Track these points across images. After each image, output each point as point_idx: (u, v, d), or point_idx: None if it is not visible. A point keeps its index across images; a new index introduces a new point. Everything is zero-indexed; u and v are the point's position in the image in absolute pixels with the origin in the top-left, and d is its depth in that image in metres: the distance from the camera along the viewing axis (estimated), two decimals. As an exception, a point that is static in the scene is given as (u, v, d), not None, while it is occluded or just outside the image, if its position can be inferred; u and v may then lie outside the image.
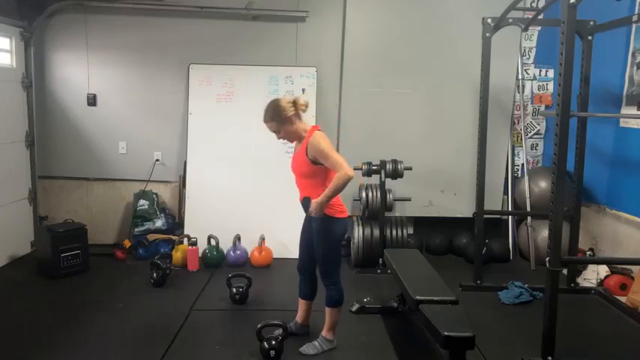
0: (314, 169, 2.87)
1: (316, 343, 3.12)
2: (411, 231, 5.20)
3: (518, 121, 5.23)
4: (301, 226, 3.19)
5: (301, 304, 3.32)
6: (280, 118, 2.88)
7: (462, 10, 4.86)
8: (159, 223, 4.94)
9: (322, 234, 2.94)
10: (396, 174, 4.58)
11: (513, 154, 5.25)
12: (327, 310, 3.10)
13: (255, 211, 4.84)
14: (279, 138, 2.99)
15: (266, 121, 2.92)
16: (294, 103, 2.91)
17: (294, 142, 3.04)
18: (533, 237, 4.86)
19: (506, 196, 5.25)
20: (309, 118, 4.97)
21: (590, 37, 3.97)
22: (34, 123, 4.87)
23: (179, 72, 5.00)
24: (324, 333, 3.14)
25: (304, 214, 3.09)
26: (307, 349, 3.10)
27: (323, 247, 2.98)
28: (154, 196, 5.04)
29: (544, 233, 4.71)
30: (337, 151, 5.02)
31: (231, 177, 4.89)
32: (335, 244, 2.99)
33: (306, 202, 2.96)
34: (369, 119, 5.02)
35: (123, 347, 3.16)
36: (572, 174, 4.19)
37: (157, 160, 5.12)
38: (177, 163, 5.13)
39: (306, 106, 2.98)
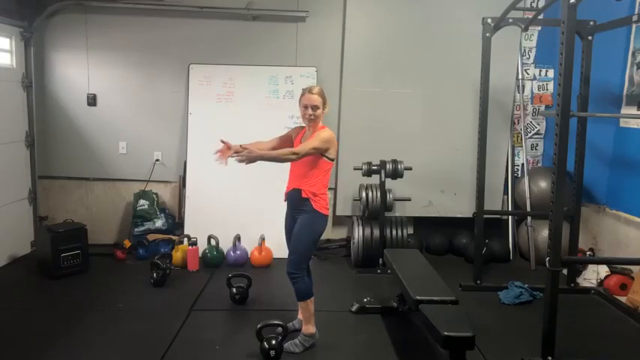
0: (317, 160, 3.04)
1: (297, 340, 3.15)
2: (411, 231, 5.20)
3: (518, 121, 5.23)
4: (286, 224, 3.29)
5: None
6: (324, 103, 3.14)
7: (462, 10, 4.86)
8: (159, 223, 4.95)
9: (307, 226, 3.07)
10: (396, 174, 4.58)
11: (513, 154, 5.25)
12: (299, 305, 3.17)
13: (255, 211, 4.84)
14: (309, 113, 3.08)
15: (317, 93, 3.09)
16: None
17: (300, 133, 3.22)
18: (533, 237, 4.86)
19: (506, 196, 5.25)
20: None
21: (590, 37, 3.97)
22: (34, 123, 4.87)
23: (179, 72, 5.01)
24: (303, 329, 3.18)
25: (292, 212, 3.19)
26: (290, 347, 3.11)
27: (304, 239, 3.07)
28: (154, 196, 5.04)
29: (544, 233, 4.71)
30: (337, 151, 5.04)
31: (231, 177, 4.88)
32: (315, 237, 3.12)
33: (293, 194, 3.11)
34: (369, 119, 5.02)
35: (123, 347, 3.16)
36: (572, 174, 4.19)
37: (157, 160, 5.12)
38: (177, 163, 5.13)
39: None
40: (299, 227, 3.09)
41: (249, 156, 2.86)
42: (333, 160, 3.12)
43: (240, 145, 3.02)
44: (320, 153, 3.03)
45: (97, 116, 5.06)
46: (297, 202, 3.11)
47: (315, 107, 3.06)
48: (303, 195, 3.06)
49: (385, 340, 3.33)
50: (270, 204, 4.82)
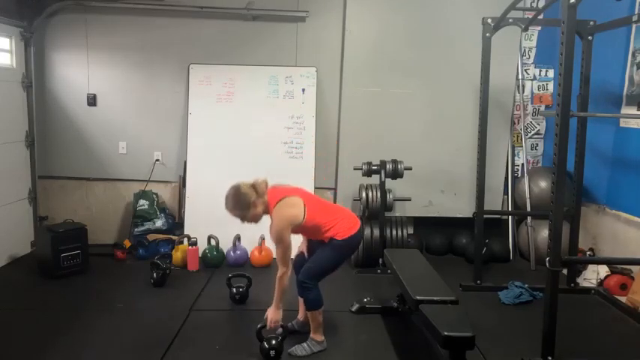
0: (299, 228, 2.98)
1: (305, 344, 3.12)
2: (411, 231, 5.20)
3: (518, 121, 5.22)
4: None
5: (301, 302, 3.33)
6: (243, 206, 2.93)
7: (462, 10, 4.86)
8: (159, 223, 4.95)
9: (338, 252, 3.03)
10: (396, 174, 4.58)
11: (513, 154, 5.25)
12: (308, 314, 3.13)
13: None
14: (243, 222, 3.00)
15: (229, 209, 2.95)
16: (254, 186, 2.96)
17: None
18: (533, 237, 4.86)
19: (506, 196, 5.25)
20: (309, 119, 4.99)
21: (590, 37, 3.97)
22: (34, 123, 4.87)
23: (179, 72, 5.00)
24: (312, 335, 3.15)
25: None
26: (296, 350, 3.09)
27: (331, 259, 3.05)
28: (154, 196, 5.03)
29: (544, 233, 4.71)
30: (337, 151, 5.07)
31: (231, 177, 4.83)
32: (338, 260, 3.08)
33: (314, 242, 3.13)
34: (369, 119, 5.02)
35: (123, 347, 3.16)
36: (572, 174, 4.19)
37: (157, 160, 5.12)
38: (177, 163, 5.13)
39: (266, 184, 3.02)
40: (330, 248, 3.01)
41: (276, 320, 3.01)
42: (304, 218, 2.91)
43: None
44: (293, 232, 2.92)
45: (97, 116, 5.06)
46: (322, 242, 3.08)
47: (241, 218, 2.96)
48: (326, 241, 3.03)
49: (385, 340, 3.33)
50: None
